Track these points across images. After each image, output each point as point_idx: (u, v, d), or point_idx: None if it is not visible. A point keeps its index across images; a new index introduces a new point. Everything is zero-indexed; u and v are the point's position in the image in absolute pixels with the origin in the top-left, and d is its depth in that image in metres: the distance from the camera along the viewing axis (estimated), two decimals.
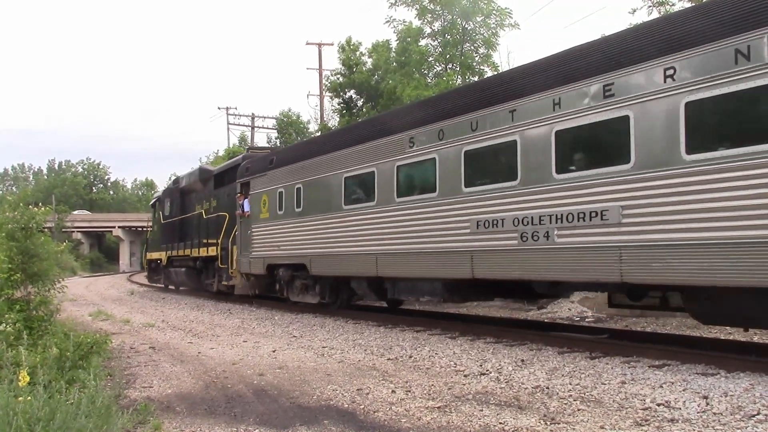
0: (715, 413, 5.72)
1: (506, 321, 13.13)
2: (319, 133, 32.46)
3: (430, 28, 25.19)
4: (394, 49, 26.84)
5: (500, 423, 5.65)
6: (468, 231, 10.32)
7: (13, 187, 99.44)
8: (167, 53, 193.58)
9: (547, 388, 6.96)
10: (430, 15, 24.71)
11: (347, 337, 11.43)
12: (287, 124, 41.28)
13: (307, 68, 38.28)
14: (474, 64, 24.59)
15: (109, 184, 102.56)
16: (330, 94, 32.70)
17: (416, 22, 25.31)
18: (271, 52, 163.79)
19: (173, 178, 29.78)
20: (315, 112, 38.33)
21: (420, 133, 11.43)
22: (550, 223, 8.98)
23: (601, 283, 8.88)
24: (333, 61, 55.71)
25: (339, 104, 31.16)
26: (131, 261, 72.41)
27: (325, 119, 34.58)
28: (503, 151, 9.74)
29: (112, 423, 4.87)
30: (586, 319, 13.90)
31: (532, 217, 9.25)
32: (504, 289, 11.34)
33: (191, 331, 13.10)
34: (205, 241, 21.59)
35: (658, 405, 6.05)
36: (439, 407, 6.24)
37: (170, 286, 28.11)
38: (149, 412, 6.06)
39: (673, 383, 6.86)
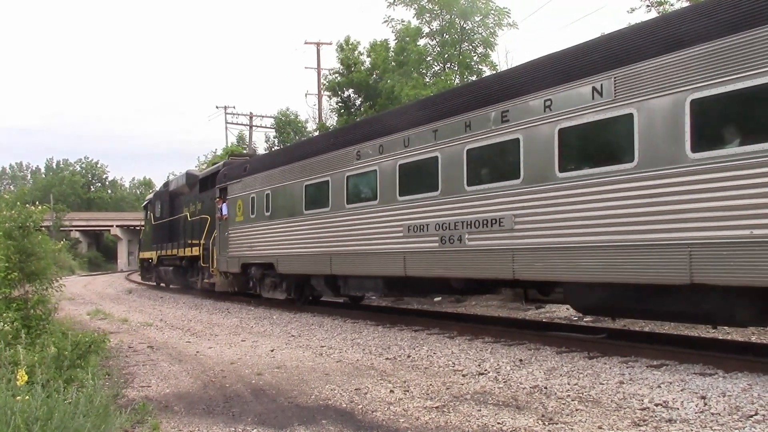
0: (713, 413, 5.73)
1: (504, 321, 13.14)
2: (317, 133, 32.48)
3: (429, 27, 25.20)
4: (392, 49, 26.84)
5: (498, 423, 5.65)
6: (401, 235, 11.82)
7: (11, 186, 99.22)
8: (166, 52, 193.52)
9: (545, 387, 6.97)
10: (428, 14, 24.71)
11: (345, 337, 11.43)
12: (285, 123, 41.24)
13: (306, 67, 38.25)
14: (472, 63, 24.60)
15: (107, 183, 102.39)
16: (328, 94, 32.66)
17: (415, 22, 25.33)
18: (269, 52, 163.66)
19: (170, 178, 30.50)
20: (313, 111, 38.38)
21: (365, 147, 12.96)
22: (463, 228, 10.49)
23: (499, 280, 10.37)
24: (331, 61, 55.85)
25: (337, 103, 31.14)
26: (129, 260, 72.32)
27: (323, 118, 34.57)
28: (428, 165, 11.23)
29: (110, 422, 4.86)
30: (584, 319, 13.91)
31: (449, 223, 10.75)
32: (432, 286, 12.97)
33: (189, 331, 13.09)
34: (190, 241, 23.12)
35: (656, 405, 6.06)
36: (437, 407, 6.24)
37: (161, 284, 29.59)
38: (147, 411, 6.05)
39: (671, 383, 6.86)
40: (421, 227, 11.34)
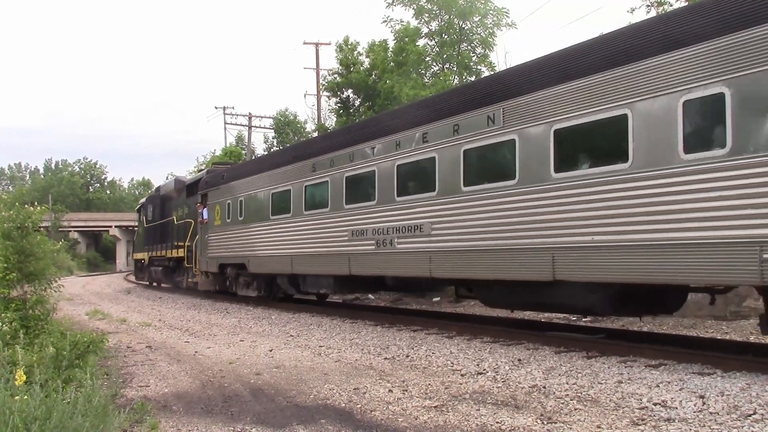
0: (711, 413, 5.73)
1: (503, 320, 13.14)
2: (316, 134, 32.46)
3: (428, 27, 25.20)
4: (391, 49, 26.85)
5: (497, 422, 5.65)
6: (347, 238, 13.39)
7: (10, 187, 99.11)
8: (165, 52, 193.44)
9: (544, 387, 6.97)
10: (427, 15, 24.71)
11: (344, 337, 11.43)
12: (284, 123, 41.20)
13: (305, 68, 38.20)
14: (471, 64, 24.61)
15: (105, 183, 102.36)
16: (327, 94, 32.68)
17: (413, 22, 25.35)
18: (268, 52, 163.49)
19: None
20: (312, 111, 38.45)
21: (319, 161, 14.65)
22: (393, 233, 12.01)
23: (422, 278, 11.90)
24: (330, 61, 55.67)
25: (336, 104, 31.17)
26: (128, 260, 72.08)
27: (322, 119, 34.56)
28: (368, 178, 12.84)
29: (108, 422, 4.85)
30: (583, 319, 13.93)
31: (383, 229, 12.28)
32: (374, 284, 14.72)
33: (188, 331, 13.09)
34: (176, 243, 24.88)
35: (655, 404, 6.06)
36: (436, 406, 6.24)
37: (153, 283, 31.17)
38: (146, 411, 6.05)
39: (669, 383, 6.87)
40: (362, 232, 12.91)
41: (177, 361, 9.32)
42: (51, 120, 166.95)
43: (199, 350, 10.29)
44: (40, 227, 9.77)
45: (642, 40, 8.01)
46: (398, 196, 11.93)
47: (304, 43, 37.01)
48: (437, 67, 25.34)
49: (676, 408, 5.92)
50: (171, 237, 25.85)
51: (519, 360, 8.57)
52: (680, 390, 6.55)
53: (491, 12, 23.88)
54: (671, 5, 17.33)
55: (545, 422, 5.61)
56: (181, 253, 24.11)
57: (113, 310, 18.65)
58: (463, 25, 24.42)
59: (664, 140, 7.54)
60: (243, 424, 5.83)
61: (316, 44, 36.05)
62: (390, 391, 6.97)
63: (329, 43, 35.19)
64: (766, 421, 5.43)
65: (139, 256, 33.37)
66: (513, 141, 9.49)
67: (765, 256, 6.63)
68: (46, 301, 9.18)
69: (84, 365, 6.84)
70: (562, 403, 6.26)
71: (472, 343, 10.12)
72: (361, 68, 28.96)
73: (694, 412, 5.78)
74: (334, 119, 31.41)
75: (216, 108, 48.63)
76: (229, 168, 22.36)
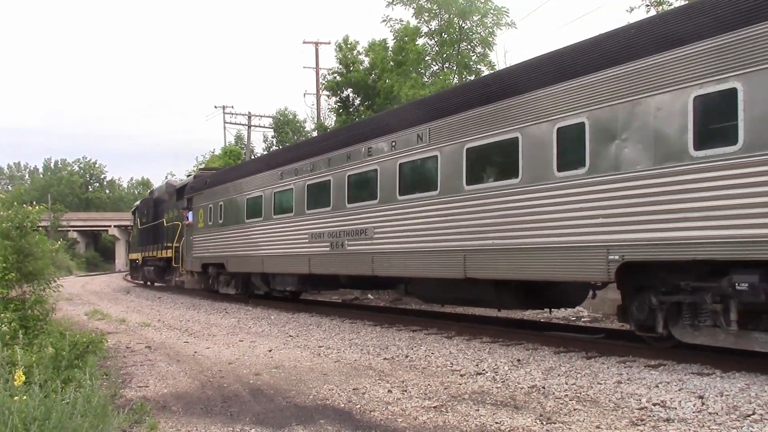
0: (710, 413, 5.74)
1: (502, 321, 13.15)
2: (315, 133, 32.44)
3: (427, 27, 25.24)
4: (391, 49, 26.83)
5: (496, 423, 5.65)
6: (307, 241, 14.92)
7: (9, 186, 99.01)
8: (164, 52, 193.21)
9: (543, 387, 6.97)
10: (427, 14, 24.73)
11: (343, 337, 11.43)
12: (284, 123, 41.16)
13: (304, 67, 38.27)
14: (471, 63, 24.60)
15: (105, 183, 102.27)
16: (327, 93, 32.64)
17: (413, 22, 25.35)
18: (268, 51, 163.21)
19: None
20: (312, 111, 38.40)
21: (286, 170, 16.21)
22: (345, 236, 13.49)
23: (366, 276, 13.40)
24: (330, 60, 55.75)
25: (336, 103, 31.12)
26: (127, 260, 72.11)
27: (321, 118, 34.54)
28: (324, 186, 14.37)
29: (108, 422, 4.85)
30: (582, 319, 13.94)
31: (337, 232, 13.77)
32: (331, 282, 15.97)
33: (187, 331, 13.08)
34: (166, 244, 26.41)
35: (654, 405, 6.07)
36: (435, 407, 6.24)
37: (147, 282, 32.46)
38: (145, 411, 6.04)
39: (668, 383, 6.87)
40: (320, 235, 14.41)
41: (176, 361, 9.32)
42: (51, 120, 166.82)
43: (198, 350, 10.28)
44: (39, 227, 9.75)
45: (522, 77, 9.65)
46: (349, 203, 13.44)
47: (304, 43, 37.00)
48: (437, 67, 25.36)
49: (676, 408, 5.93)
50: (162, 238, 27.35)
51: (518, 360, 8.57)
52: (679, 390, 6.55)
53: (491, 11, 23.91)
54: (670, 5, 17.34)
55: (544, 422, 5.62)
56: (170, 253, 25.64)
57: (112, 310, 18.64)
58: (463, 25, 24.45)
59: (544, 160, 8.96)
60: (242, 425, 5.83)
61: (316, 43, 36.05)
62: (389, 391, 6.97)
63: (329, 43, 35.17)
64: (765, 421, 5.44)
65: (133, 256, 35.19)
66: (436, 157, 10.93)
67: (610, 257, 7.96)
68: (45, 301, 9.17)
69: (83, 365, 6.84)
70: (562, 404, 6.26)
71: (471, 344, 10.12)
72: (361, 67, 28.94)
73: (694, 412, 5.79)
74: (334, 118, 31.40)
75: (215, 107, 48.68)
76: (212, 174, 23.71)
